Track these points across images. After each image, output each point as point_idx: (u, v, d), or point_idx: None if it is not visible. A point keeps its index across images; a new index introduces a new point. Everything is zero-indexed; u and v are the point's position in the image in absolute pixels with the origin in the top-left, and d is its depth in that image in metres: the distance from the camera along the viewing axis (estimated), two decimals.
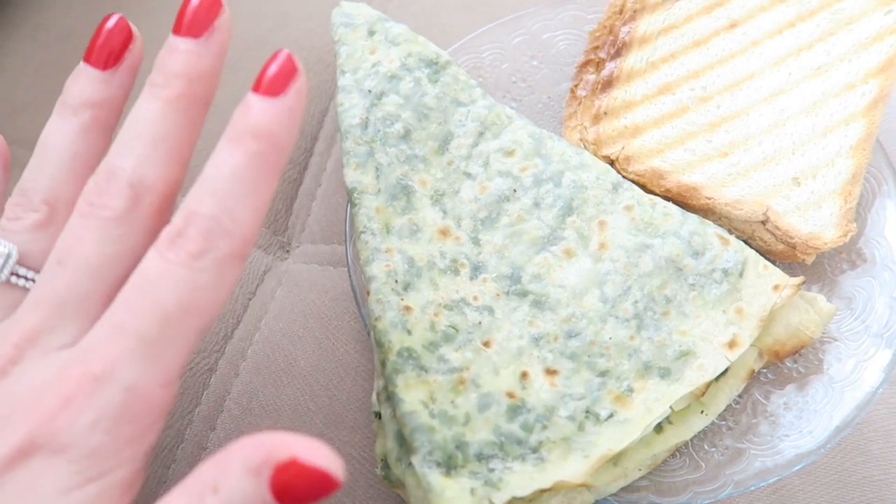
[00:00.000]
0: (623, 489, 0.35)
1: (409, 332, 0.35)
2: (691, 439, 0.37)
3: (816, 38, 0.44)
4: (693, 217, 0.39)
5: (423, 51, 0.44)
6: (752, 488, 0.35)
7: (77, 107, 0.30)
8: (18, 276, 0.29)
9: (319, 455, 0.24)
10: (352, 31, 0.45)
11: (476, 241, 0.39)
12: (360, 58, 0.44)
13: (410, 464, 0.32)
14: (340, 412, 0.41)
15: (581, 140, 0.44)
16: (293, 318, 0.44)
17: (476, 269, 0.39)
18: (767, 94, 0.43)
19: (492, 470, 0.32)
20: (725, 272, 0.37)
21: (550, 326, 0.37)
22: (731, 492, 0.35)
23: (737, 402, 0.38)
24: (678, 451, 0.37)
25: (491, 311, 0.37)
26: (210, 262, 0.25)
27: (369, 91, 0.42)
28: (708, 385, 0.35)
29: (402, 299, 0.36)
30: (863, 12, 0.44)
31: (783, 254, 0.41)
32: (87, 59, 0.31)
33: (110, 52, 0.30)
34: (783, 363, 0.39)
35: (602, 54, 0.46)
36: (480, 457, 0.32)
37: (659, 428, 0.36)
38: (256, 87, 0.27)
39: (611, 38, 0.46)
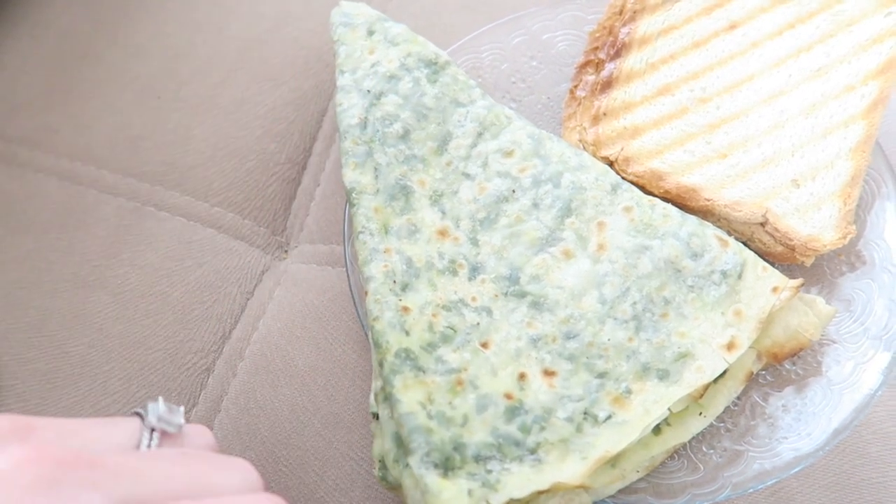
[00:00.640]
0: (621, 491, 0.35)
1: (407, 333, 0.35)
2: (690, 441, 0.37)
3: (816, 39, 0.44)
4: (692, 218, 0.39)
5: (423, 51, 0.44)
6: (751, 490, 0.35)
7: None
8: None
9: None
10: (351, 31, 0.45)
11: (475, 242, 0.39)
12: (360, 58, 0.44)
13: (408, 465, 0.32)
14: (338, 413, 0.41)
15: (580, 141, 0.44)
16: (291, 318, 0.44)
17: (474, 270, 0.38)
18: (767, 95, 0.43)
19: (489, 471, 0.32)
20: (724, 274, 0.37)
21: (549, 328, 0.37)
22: (729, 494, 0.35)
23: (735, 404, 0.38)
24: (676, 452, 0.37)
25: (489, 311, 0.37)
26: None
27: (368, 91, 0.42)
28: (706, 387, 0.35)
29: (401, 300, 0.36)
30: (863, 14, 0.44)
31: (782, 256, 0.41)
32: None
33: None
34: (782, 365, 0.39)
35: (602, 55, 0.46)
36: (478, 458, 0.32)
37: (657, 429, 0.36)
38: None
39: (610, 38, 0.46)
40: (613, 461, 0.34)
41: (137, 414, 0.27)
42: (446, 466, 0.32)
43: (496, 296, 0.38)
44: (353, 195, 0.39)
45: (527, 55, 0.49)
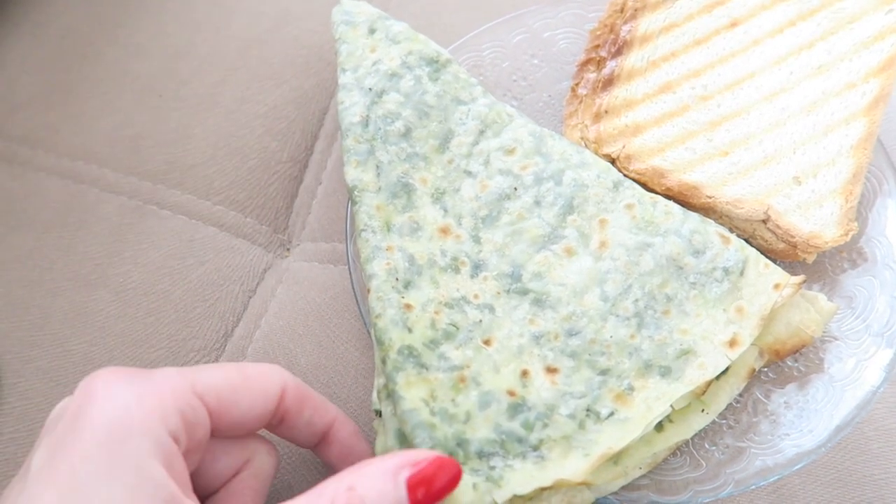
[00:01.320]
0: (623, 488, 0.35)
1: (410, 330, 0.35)
2: (692, 438, 0.37)
3: (817, 37, 0.44)
4: (694, 216, 0.39)
5: (424, 49, 0.44)
6: (753, 487, 0.35)
7: None
8: None
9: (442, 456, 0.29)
10: (352, 30, 0.45)
11: (477, 240, 0.39)
12: (361, 56, 0.44)
13: None
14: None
15: (582, 138, 0.44)
16: (293, 315, 0.44)
17: (477, 268, 0.38)
18: (768, 92, 0.43)
19: (492, 468, 0.32)
20: (726, 271, 0.37)
21: (551, 325, 0.37)
22: (731, 490, 0.35)
23: (737, 401, 0.38)
24: (679, 449, 0.37)
25: (491, 309, 0.37)
26: None
27: (370, 89, 0.42)
28: (708, 384, 0.35)
29: (403, 297, 0.36)
30: (864, 11, 0.44)
31: (784, 253, 0.41)
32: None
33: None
34: (784, 362, 0.39)
35: (603, 53, 0.46)
36: (481, 454, 0.32)
37: (659, 426, 0.36)
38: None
39: (612, 36, 0.46)
40: (616, 458, 0.34)
41: None
42: None
43: (498, 293, 0.38)
44: (355, 193, 0.40)
45: (528, 53, 0.49)
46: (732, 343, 0.36)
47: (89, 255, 0.46)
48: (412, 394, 0.33)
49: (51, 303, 0.45)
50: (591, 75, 0.46)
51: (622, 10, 0.47)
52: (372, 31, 0.45)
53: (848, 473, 0.38)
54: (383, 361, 0.35)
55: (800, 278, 0.37)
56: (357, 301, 0.40)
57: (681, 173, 0.42)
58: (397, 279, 0.37)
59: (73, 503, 0.25)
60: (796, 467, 0.35)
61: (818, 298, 0.38)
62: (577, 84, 0.46)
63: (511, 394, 0.34)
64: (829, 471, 0.38)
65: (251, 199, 0.48)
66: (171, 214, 0.48)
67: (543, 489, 0.32)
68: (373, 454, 0.34)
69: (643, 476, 0.36)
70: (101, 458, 0.25)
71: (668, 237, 0.38)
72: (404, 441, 0.33)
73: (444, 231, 0.39)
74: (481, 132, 0.42)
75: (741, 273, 0.37)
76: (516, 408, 0.34)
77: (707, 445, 0.37)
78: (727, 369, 0.36)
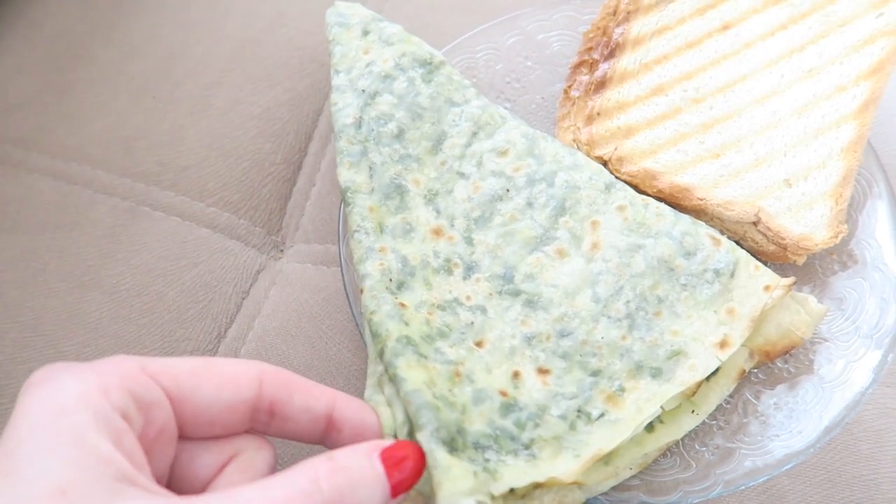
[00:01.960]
0: (614, 488, 0.35)
1: (407, 324, 0.35)
2: (682, 439, 0.37)
3: (808, 40, 0.44)
4: (685, 218, 0.39)
5: (417, 51, 0.44)
6: (742, 487, 0.35)
7: None
8: None
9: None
10: (346, 31, 0.45)
11: (469, 241, 0.39)
12: (354, 57, 0.44)
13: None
14: None
15: (574, 140, 0.44)
16: (286, 317, 0.44)
17: (469, 269, 0.39)
18: (759, 95, 0.43)
19: (487, 460, 0.32)
20: (717, 272, 0.37)
21: (543, 326, 0.37)
22: (721, 491, 0.35)
23: (728, 402, 0.38)
24: (669, 450, 0.37)
25: (484, 310, 0.37)
26: None
27: (363, 91, 0.42)
28: (699, 385, 0.35)
29: (396, 298, 0.36)
30: (854, 15, 0.44)
31: (775, 255, 0.41)
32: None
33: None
34: (774, 363, 0.39)
35: (596, 55, 0.46)
36: (477, 446, 0.32)
37: (650, 427, 0.36)
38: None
39: (604, 39, 0.46)
40: (607, 458, 0.35)
41: None
42: (452, 446, 0.31)
43: (491, 294, 0.38)
44: (348, 194, 0.40)
45: (521, 55, 0.49)
46: (723, 344, 0.36)
47: (82, 257, 0.46)
48: (414, 376, 0.32)
49: (44, 304, 0.45)
50: (584, 77, 0.46)
51: (615, 13, 0.47)
52: (365, 33, 0.45)
53: (837, 474, 0.39)
54: (381, 353, 0.34)
55: (790, 280, 0.37)
56: (349, 303, 0.40)
57: (672, 175, 0.42)
58: (391, 280, 0.37)
59: (12, 482, 0.23)
60: (785, 468, 0.35)
61: (808, 300, 0.38)
62: (569, 86, 0.46)
63: (503, 394, 0.34)
64: (819, 471, 0.39)
65: (245, 201, 0.49)
66: (165, 216, 0.48)
67: (536, 487, 0.32)
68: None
69: (634, 476, 0.36)
70: (40, 436, 0.24)
71: (660, 239, 0.38)
72: (408, 421, 0.32)
73: (437, 232, 0.40)
74: (474, 134, 0.42)
75: (732, 275, 0.37)
76: (508, 407, 0.34)
77: (697, 446, 0.37)
78: (717, 370, 0.37)
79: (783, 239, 0.40)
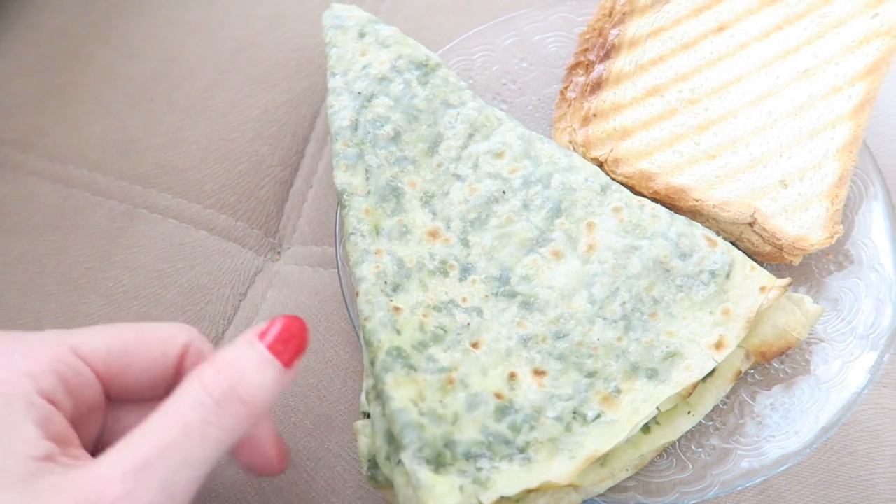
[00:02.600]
0: (610, 489, 0.35)
1: (399, 332, 0.35)
2: (678, 440, 0.37)
3: (804, 41, 0.44)
4: (681, 219, 0.39)
5: (414, 53, 0.44)
6: (739, 488, 0.35)
7: None
8: None
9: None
10: (342, 34, 0.45)
11: (465, 243, 0.39)
12: (351, 60, 0.44)
13: (399, 462, 0.32)
14: (329, 413, 0.41)
15: (570, 142, 0.44)
16: None
17: (465, 271, 0.39)
18: (755, 96, 0.43)
19: (479, 469, 0.32)
20: (713, 273, 0.37)
21: (539, 327, 0.37)
22: (717, 492, 0.35)
23: (724, 403, 0.38)
24: (665, 451, 0.37)
25: (480, 312, 0.37)
26: None
27: (359, 93, 0.43)
28: (695, 386, 0.35)
29: (392, 300, 0.36)
30: (849, 15, 0.44)
31: (770, 255, 0.41)
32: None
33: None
34: (770, 364, 0.39)
35: (591, 57, 0.46)
36: (468, 455, 0.32)
37: (646, 428, 0.36)
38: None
39: (600, 40, 0.46)
40: (603, 460, 0.35)
41: None
42: (438, 463, 0.32)
43: (487, 296, 0.38)
44: (344, 197, 0.40)
45: (518, 57, 0.49)
46: (719, 345, 0.36)
47: (80, 259, 0.47)
48: (401, 394, 0.33)
49: (42, 306, 0.45)
50: (580, 79, 0.46)
51: (611, 14, 0.47)
52: (362, 35, 0.45)
53: (834, 475, 0.39)
54: (372, 363, 0.35)
55: (786, 281, 0.37)
56: (346, 305, 0.40)
57: (668, 176, 0.42)
58: (386, 282, 0.37)
59: None
60: (782, 469, 0.36)
61: (804, 301, 0.38)
62: (566, 87, 0.46)
63: (499, 396, 0.34)
64: (816, 472, 0.39)
65: (242, 203, 0.49)
66: (162, 218, 0.48)
67: (530, 491, 0.32)
68: None
69: (630, 478, 0.36)
70: None
71: (655, 240, 0.38)
72: (392, 442, 0.33)
73: (433, 234, 0.40)
74: (470, 136, 0.42)
75: (727, 276, 0.38)
76: (503, 410, 0.34)
77: (693, 447, 0.37)
78: (713, 371, 0.37)
79: (779, 240, 0.40)
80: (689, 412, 0.37)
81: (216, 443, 0.27)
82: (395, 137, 0.41)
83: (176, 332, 0.31)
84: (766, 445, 0.36)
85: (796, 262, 0.41)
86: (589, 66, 0.46)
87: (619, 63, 0.46)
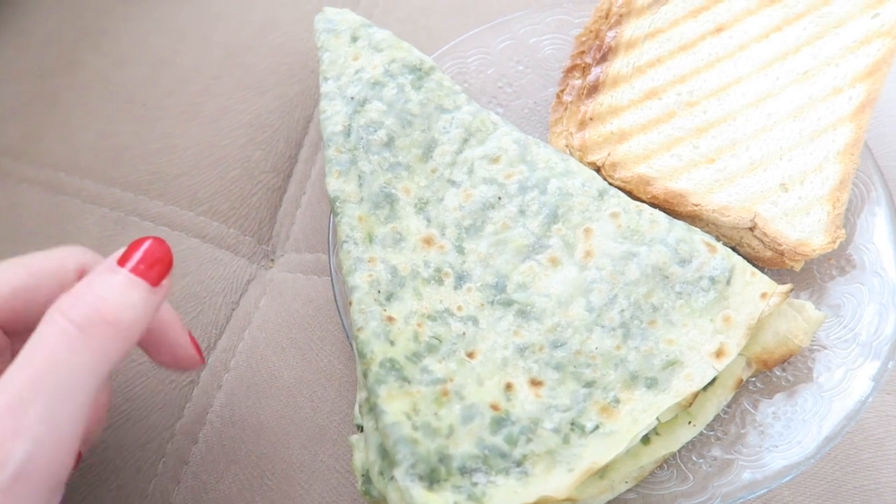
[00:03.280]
0: (610, 502, 0.35)
1: (392, 343, 0.35)
2: (679, 450, 0.36)
3: (803, 41, 0.44)
4: (680, 224, 0.39)
5: (407, 56, 0.43)
6: (741, 500, 0.35)
7: None
8: None
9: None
10: (334, 37, 0.45)
11: (460, 250, 0.39)
12: (343, 64, 0.43)
13: (393, 477, 0.32)
14: (324, 425, 0.40)
15: (567, 146, 0.44)
16: (277, 328, 0.44)
17: (460, 279, 0.38)
18: (754, 98, 0.42)
19: (475, 484, 0.31)
20: (713, 280, 0.37)
21: (536, 336, 0.36)
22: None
23: (725, 412, 0.38)
24: (665, 462, 0.36)
25: (475, 321, 0.37)
26: None
27: (352, 98, 0.42)
28: (695, 395, 0.35)
29: (385, 310, 0.36)
30: (850, 16, 0.44)
31: (771, 260, 0.40)
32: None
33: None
34: (772, 372, 0.39)
35: (588, 59, 0.46)
36: (464, 470, 0.32)
37: (646, 439, 0.35)
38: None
39: (597, 42, 0.46)
40: (602, 472, 0.34)
41: None
42: (431, 479, 0.31)
43: (482, 305, 0.37)
44: (337, 204, 0.39)
45: (513, 59, 0.49)
46: (719, 353, 0.35)
47: None
48: (394, 407, 0.33)
49: None
50: (577, 82, 0.45)
51: (607, 16, 0.46)
52: (354, 39, 0.44)
53: (838, 484, 0.38)
54: (365, 374, 0.34)
55: (787, 287, 0.36)
56: (340, 313, 0.40)
57: (667, 181, 0.41)
58: (379, 291, 0.36)
59: None
60: (784, 480, 0.35)
61: (806, 307, 0.37)
62: (562, 90, 0.46)
63: (495, 408, 0.34)
64: (819, 482, 0.38)
65: (234, 210, 0.48)
66: (154, 225, 0.47)
67: None
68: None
69: (630, 490, 0.35)
70: None
71: (654, 246, 0.38)
72: (386, 457, 0.33)
73: (428, 242, 0.39)
74: (465, 140, 0.41)
75: (728, 282, 0.37)
76: (500, 422, 0.33)
77: (694, 458, 0.36)
78: (714, 380, 0.36)
79: (780, 244, 0.39)
80: (689, 422, 0.36)
81: (90, 367, 0.27)
82: (389, 143, 0.41)
83: (67, 260, 0.31)
84: (768, 456, 0.36)
85: (797, 267, 0.40)
86: (585, 69, 0.45)
87: (616, 65, 0.45)
